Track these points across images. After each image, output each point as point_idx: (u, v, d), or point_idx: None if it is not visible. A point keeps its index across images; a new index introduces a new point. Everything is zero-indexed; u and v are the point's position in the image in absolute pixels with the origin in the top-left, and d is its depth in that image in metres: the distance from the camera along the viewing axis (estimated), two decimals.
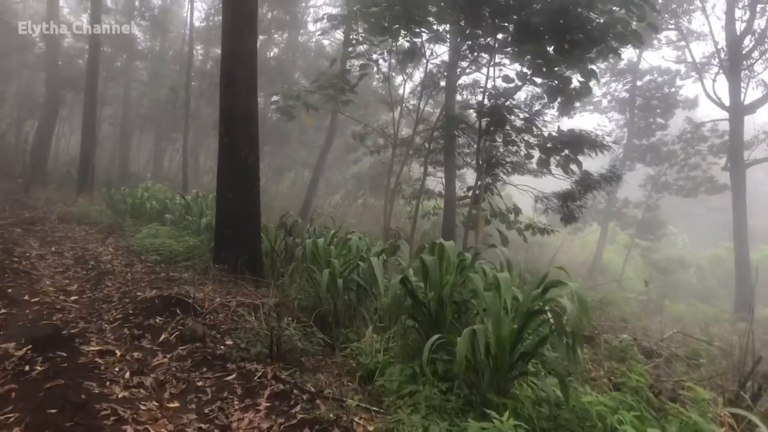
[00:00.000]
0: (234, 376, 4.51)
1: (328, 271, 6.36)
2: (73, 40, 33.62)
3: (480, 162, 12.58)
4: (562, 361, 3.99)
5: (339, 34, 39.41)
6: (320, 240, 7.23)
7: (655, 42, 36.00)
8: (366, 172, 37.76)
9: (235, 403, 4.10)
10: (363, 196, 39.22)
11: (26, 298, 6.24)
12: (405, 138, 16.82)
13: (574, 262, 33.36)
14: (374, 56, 14.54)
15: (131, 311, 6.14)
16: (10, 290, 6.50)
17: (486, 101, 13.07)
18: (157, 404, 4.02)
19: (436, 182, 20.57)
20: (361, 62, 14.77)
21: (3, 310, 5.81)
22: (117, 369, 4.52)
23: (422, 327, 5.02)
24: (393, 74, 17.04)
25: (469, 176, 19.59)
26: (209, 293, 6.74)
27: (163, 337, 5.42)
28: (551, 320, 4.04)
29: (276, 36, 36.08)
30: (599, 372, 5.41)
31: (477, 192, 12.60)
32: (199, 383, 4.39)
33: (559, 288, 4.12)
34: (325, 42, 38.60)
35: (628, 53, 34.50)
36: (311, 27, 41.75)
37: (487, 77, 12.89)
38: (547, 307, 4.08)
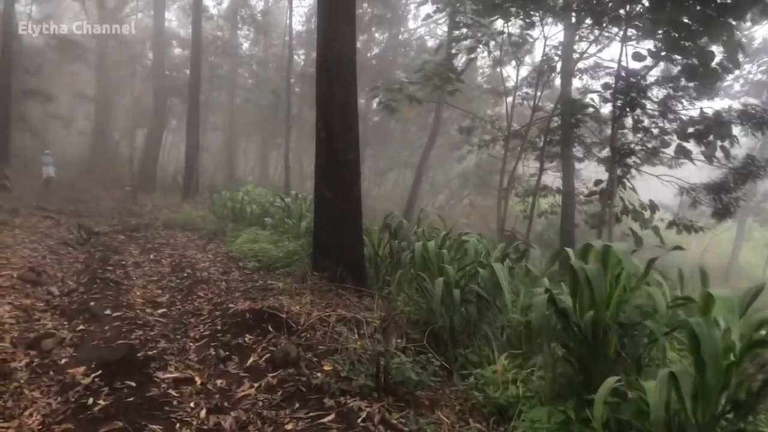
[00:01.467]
0: (332, 417, 3.59)
1: (443, 279, 5.36)
2: (180, 48, 34.91)
3: (613, 151, 11.07)
4: None
5: (441, 29, 38.69)
6: (431, 243, 6.22)
7: None
8: (471, 170, 36.44)
9: None
10: (468, 195, 37.92)
11: (108, 312, 5.71)
12: (518, 130, 15.47)
13: (705, 265, 30.01)
14: (483, 39, 13.31)
15: (220, 327, 5.44)
16: (92, 303, 6.02)
17: (614, 83, 11.55)
18: None
19: (552, 178, 19.05)
20: (469, 46, 13.61)
21: (81, 327, 5.30)
22: (192, 404, 3.75)
23: (574, 356, 3.88)
24: (505, 59, 15.73)
25: (585, 171, 17.85)
26: (306, 305, 5.92)
27: (251, 359, 4.63)
28: None
29: (376, 35, 35.62)
30: None
31: (607, 186, 11.10)
32: (289, 426, 3.51)
33: None
34: (427, 38, 37.86)
35: (763, 30, 30.87)
36: (411, 24, 41.15)
37: (622, 50, 11.33)
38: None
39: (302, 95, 32.79)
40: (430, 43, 37.24)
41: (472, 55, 13.56)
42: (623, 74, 11.68)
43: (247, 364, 4.57)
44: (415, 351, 4.81)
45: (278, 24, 40.98)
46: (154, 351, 4.74)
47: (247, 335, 5.11)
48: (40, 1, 28.49)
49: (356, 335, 5.20)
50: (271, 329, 5.15)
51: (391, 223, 8.06)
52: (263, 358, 4.61)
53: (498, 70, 36.00)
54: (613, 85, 11.41)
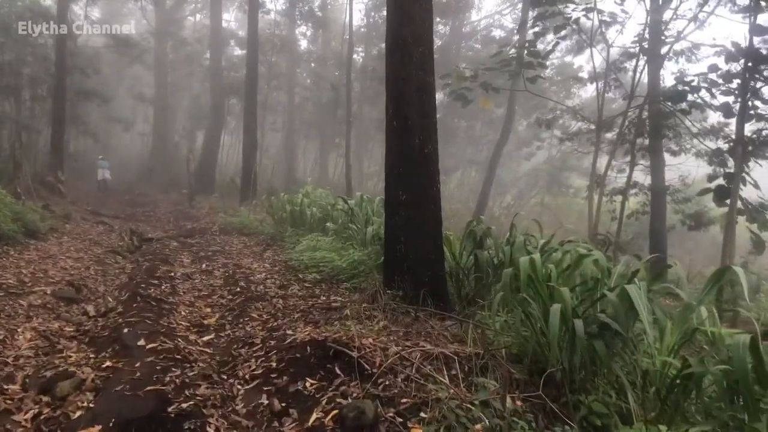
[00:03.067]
0: None
1: (560, 307, 4.16)
2: (238, 48, 34.66)
3: (738, 142, 9.48)
4: None
5: (508, 21, 37.08)
6: (536, 256, 4.98)
7: None
8: (542, 168, 34.72)
9: None
10: (537, 194, 36.17)
11: (142, 342, 4.75)
12: (609, 119, 13.89)
13: None
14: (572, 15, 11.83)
15: (275, 364, 4.41)
16: (126, 330, 5.09)
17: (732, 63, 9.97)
18: None
19: (636, 173, 17.35)
20: (556, 25, 12.16)
21: (107, 364, 4.36)
22: None
23: None
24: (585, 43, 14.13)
25: (680, 166, 16.08)
26: (380, 335, 4.82)
27: (314, 417, 3.56)
28: None
29: (439, 27, 34.36)
30: None
31: (726, 182, 9.52)
32: None
33: None
34: (493, 30, 36.41)
35: None
36: (474, 16, 39.71)
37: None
38: None
39: (362, 91, 31.96)
40: (496, 33, 35.80)
41: (563, 33, 12.08)
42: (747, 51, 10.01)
43: (309, 423, 3.51)
44: (529, 403, 3.68)
45: (336, 21, 40.35)
46: (191, 402, 3.74)
47: (308, 379, 4.04)
48: (98, 1, 28.56)
49: (446, 377, 4.07)
50: (338, 372, 4.07)
51: (476, 230, 6.85)
52: (329, 416, 3.52)
53: (568, 59, 34.68)
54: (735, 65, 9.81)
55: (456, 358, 4.31)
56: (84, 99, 21.51)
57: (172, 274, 8.41)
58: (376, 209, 10.62)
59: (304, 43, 39.34)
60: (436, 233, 6.37)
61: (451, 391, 3.83)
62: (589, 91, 36.64)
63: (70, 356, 4.64)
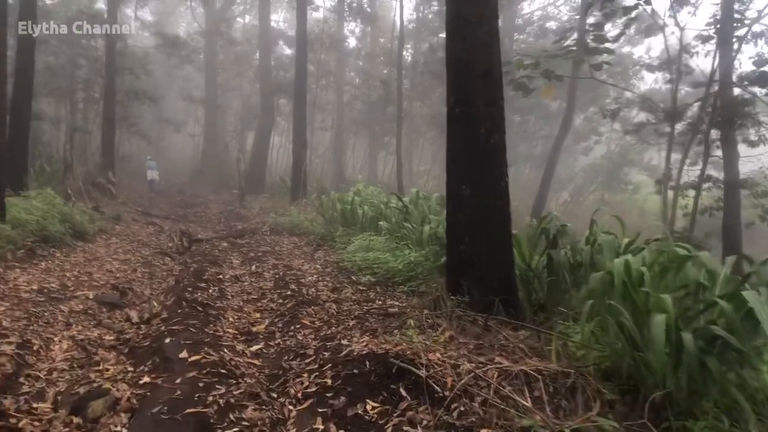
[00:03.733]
0: None
1: (663, 318, 3.51)
2: (287, 47, 34.63)
3: None
4: None
5: (563, 11, 35.86)
6: (631, 258, 4.30)
7: None
8: (600, 163, 33.38)
9: None
10: (595, 191, 34.79)
11: (184, 354, 4.31)
12: (681, 107, 12.85)
13: None
14: None
15: (330, 381, 3.90)
16: (169, 340, 4.67)
17: None
18: None
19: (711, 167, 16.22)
20: (626, 6, 11.25)
21: (145, 379, 3.93)
22: None
23: None
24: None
25: (752, 159, 14.92)
26: (448, 349, 4.25)
27: None
28: None
29: None
30: None
31: None
32: None
33: None
34: (548, 22, 35.34)
35: None
36: (527, 8, 38.64)
37: None
38: None
39: (412, 87, 31.45)
40: (550, 25, 34.69)
41: (633, 14, 11.18)
42: None
43: None
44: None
45: (384, 18, 39.88)
46: (236, 429, 3.26)
47: (369, 401, 3.51)
48: (148, 3, 28.90)
49: (529, 400, 3.48)
50: (404, 392, 3.53)
51: (549, 228, 6.19)
52: None
53: (626, 50, 33.30)
54: None
55: (539, 376, 3.71)
56: (133, 99, 21.66)
57: (221, 276, 8.04)
58: (432, 207, 10.05)
59: (352, 42, 39.13)
60: (504, 232, 5.74)
61: (538, 417, 3.25)
62: (648, 82, 35.20)
63: (107, 369, 4.25)
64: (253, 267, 9.11)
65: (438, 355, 3.98)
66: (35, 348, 4.42)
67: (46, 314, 5.36)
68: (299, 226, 13.63)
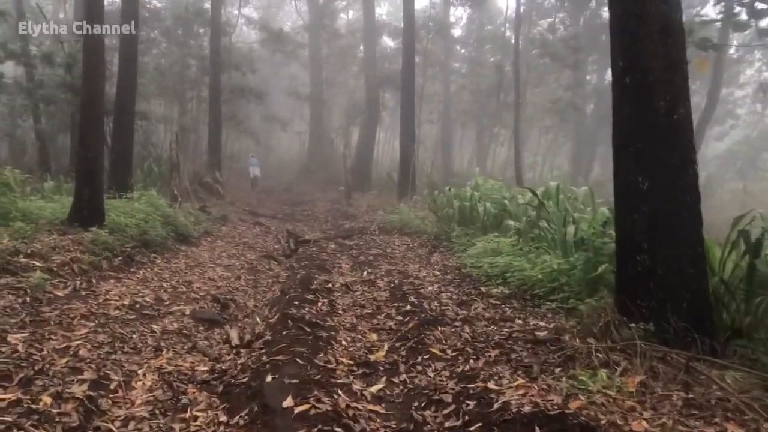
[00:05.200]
0: None
1: None
2: (390, 39, 33.89)
3: None
4: None
5: None
6: None
7: None
8: (738, 149, 30.10)
9: None
10: (731, 179, 31.38)
11: (289, 402, 3.35)
12: None
13: None
14: None
15: None
16: (270, 378, 3.73)
17: None
18: None
19: None
20: None
21: None
22: None
23: None
24: None
25: None
26: (646, 406, 3.01)
27: None
28: None
29: None
30: None
31: None
32: None
33: None
34: None
35: None
36: None
37: None
38: None
39: (525, 72, 29.80)
40: None
41: None
42: None
43: None
44: None
45: (492, 2, 38.13)
46: None
47: None
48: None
49: None
50: None
51: (749, 231, 4.73)
52: None
53: None
54: None
55: None
56: (239, 97, 21.53)
57: (330, 285, 7.14)
58: (572, 204, 8.67)
59: (456, 31, 37.74)
60: (695, 236, 4.36)
61: None
62: None
63: (195, 418, 3.37)
64: (365, 273, 8.19)
65: (645, 424, 2.76)
66: (113, 386, 3.62)
67: (134, 337, 4.62)
68: (409, 225, 12.62)
